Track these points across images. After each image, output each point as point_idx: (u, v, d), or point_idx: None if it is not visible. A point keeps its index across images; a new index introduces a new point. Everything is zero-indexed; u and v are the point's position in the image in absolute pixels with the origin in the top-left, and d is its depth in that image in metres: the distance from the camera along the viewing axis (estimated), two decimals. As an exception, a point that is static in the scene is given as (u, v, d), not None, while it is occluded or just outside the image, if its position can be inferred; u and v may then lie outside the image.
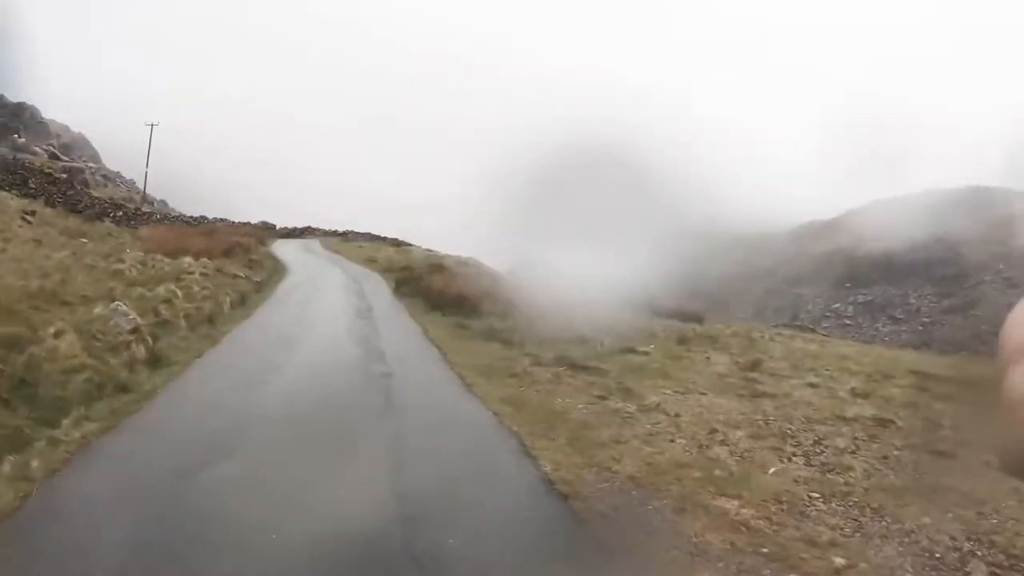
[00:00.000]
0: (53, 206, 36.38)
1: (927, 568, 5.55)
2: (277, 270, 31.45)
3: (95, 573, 4.54)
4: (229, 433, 7.63)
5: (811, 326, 44.32)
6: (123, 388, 9.21)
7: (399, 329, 17.61)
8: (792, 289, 62.22)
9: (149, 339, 11.66)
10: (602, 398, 10.60)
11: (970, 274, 54.29)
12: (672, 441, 8.54)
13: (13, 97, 60.69)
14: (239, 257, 30.20)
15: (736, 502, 6.52)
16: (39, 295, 13.44)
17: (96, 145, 71.48)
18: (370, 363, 12.33)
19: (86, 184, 51.68)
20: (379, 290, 26.87)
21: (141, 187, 60.37)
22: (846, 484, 7.36)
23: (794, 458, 8.22)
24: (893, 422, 10.25)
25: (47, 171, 45.54)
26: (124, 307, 12.69)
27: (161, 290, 16.72)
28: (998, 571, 5.62)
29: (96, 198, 45.28)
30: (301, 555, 4.98)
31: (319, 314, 19.63)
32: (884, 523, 6.36)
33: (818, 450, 8.62)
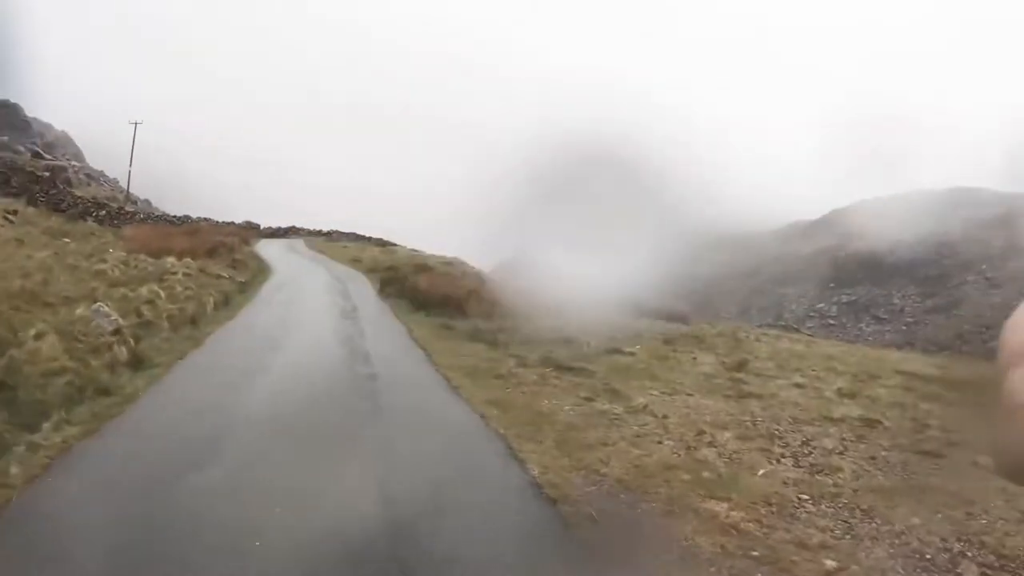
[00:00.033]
0: (35, 205, 36.03)
1: (918, 570, 5.52)
2: (261, 270, 31.25)
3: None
4: (212, 437, 7.50)
5: (795, 326, 44.50)
6: (104, 391, 9.07)
7: (384, 330, 17.51)
8: (777, 289, 62.42)
9: (131, 340, 11.54)
10: (589, 399, 10.54)
11: (953, 274, 54.63)
12: (660, 443, 8.48)
13: (-5, 95, 60.20)
14: (223, 257, 29.98)
15: (725, 504, 6.47)
16: (20, 296, 13.27)
17: (79, 143, 70.96)
18: (355, 364, 12.23)
19: (69, 183, 51.22)
20: (364, 290, 26.75)
21: (125, 186, 59.97)
22: (835, 485, 7.32)
23: (782, 459, 8.19)
24: (880, 422, 10.23)
25: (29, 169, 45.20)
26: (106, 308, 12.57)
27: (144, 291, 16.56)
28: (989, 571, 5.59)
29: (79, 197, 44.88)
30: (285, 562, 4.89)
31: (304, 315, 19.53)
32: (874, 524, 6.32)
33: (806, 451, 8.59)
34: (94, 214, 41.58)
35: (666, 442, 8.54)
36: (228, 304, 19.69)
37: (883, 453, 8.73)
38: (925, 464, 8.39)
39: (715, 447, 8.43)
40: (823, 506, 6.70)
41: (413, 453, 7.56)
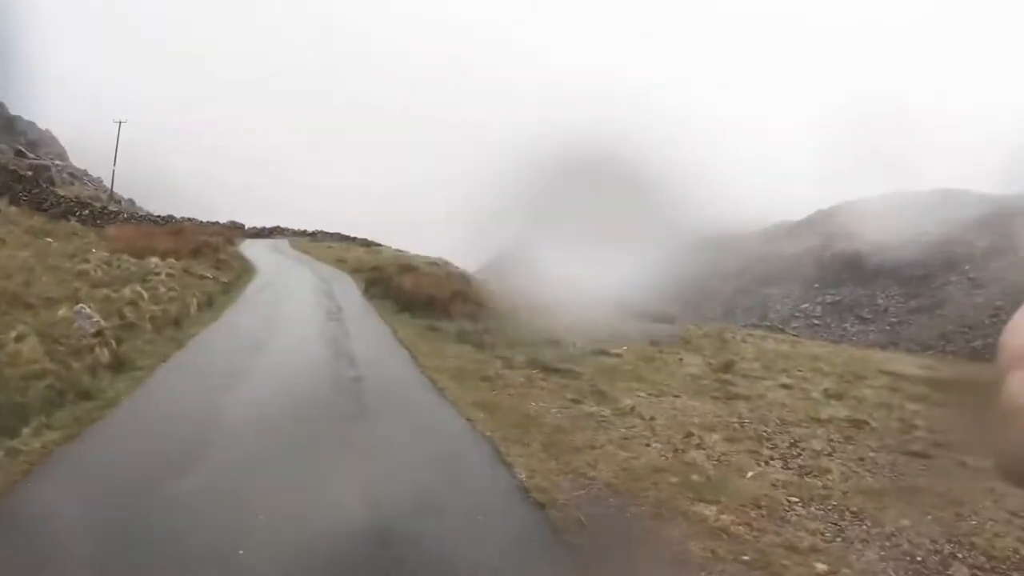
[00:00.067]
0: (18, 204, 35.65)
1: (909, 572, 5.49)
2: (245, 270, 31.00)
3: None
4: (194, 442, 7.38)
5: (780, 326, 44.71)
6: (86, 394, 8.90)
7: (369, 331, 17.41)
8: (761, 289, 62.65)
9: (113, 343, 11.38)
10: (576, 401, 10.48)
11: (936, 275, 55.02)
12: (648, 445, 8.43)
13: (-22, 94, 59.64)
14: (207, 257, 29.79)
15: (715, 508, 6.41)
16: (1, 296, 13.12)
17: (63, 142, 70.34)
18: (340, 367, 12.11)
19: (52, 182, 50.72)
20: (349, 291, 26.61)
21: (108, 185, 59.46)
22: (824, 487, 7.29)
23: (771, 461, 8.15)
24: (867, 423, 10.25)
25: (12, 168, 44.72)
26: (88, 309, 12.43)
27: (127, 291, 16.42)
28: (979, 573, 5.58)
29: (62, 196, 44.49)
30: (269, 572, 4.80)
31: (288, 316, 19.39)
32: (864, 527, 6.29)
33: (795, 452, 8.57)
34: (77, 213, 41.25)
35: (654, 444, 8.49)
36: (212, 305, 19.49)
37: (871, 454, 8.74)
38: (913, 465, 8.40)
39: (703, 449, 8.39)
40: (813, 508, 6.66)
41: (399, 457, 7.48)
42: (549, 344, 15.55)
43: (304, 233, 63.97)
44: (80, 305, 12.71)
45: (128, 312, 14.34)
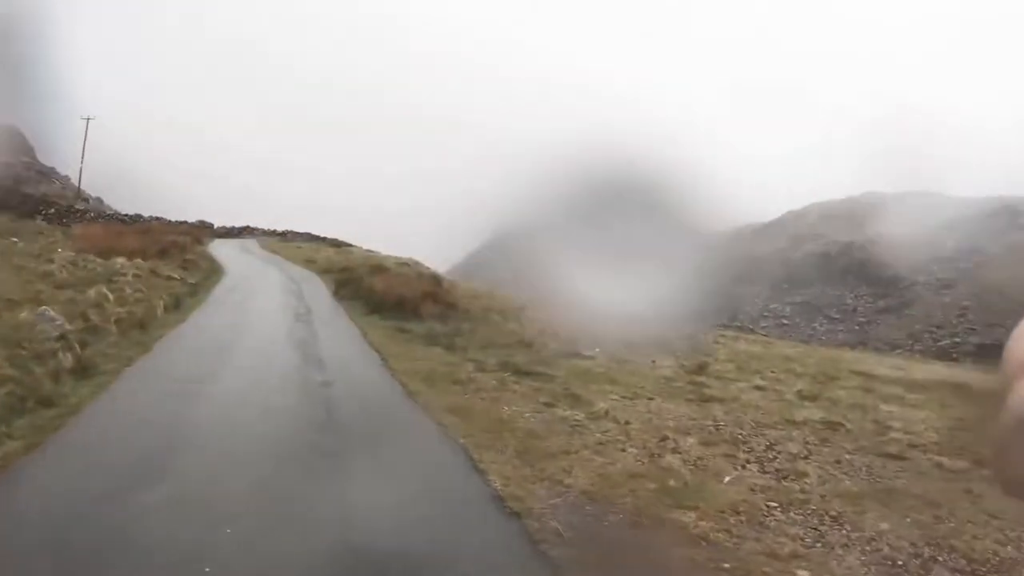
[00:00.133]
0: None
1: (891, 578, 5.42)
2: (214, 271, 30.73)
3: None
4: (159, 452, 7.13)
5: (750, 326, 44.98)
6: (47, 401, 8.59)
7: (339, 333, 17.20)
8: (731, 289, 63.04)
9: (77, 346, 11.08)
10: (549, 405, 10.33)
11: (904, 275, 55.71)
12: (623, 450, 8.30)
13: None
14: (174, 257, 29.50)
15: (693, 514, 6.29)
16: (-37, 299, 12.81)
17: (30, 139, 69.15)
18: (309, 371, 11.90)
19: (18, 180, 49.95)
20: (318, 292, 26.39)
21: (76, 183, 58.51)
22: (802, 491, 7.21)
23: (748, 465, 8.06)
24: (842, 425, 10.21)
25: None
26: (51, 312, 12.18)
27: (92, 293, 16.16)
28: (960, 577, 5.52)
29: (28, 194, 43.84)
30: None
31: (256, 318, 19.17)
32: (844, 531, 6.21)
33: (771, 456, 8.49)
34: (43, 212, 40.62)
35: (630, 449, 8.36)
36: (179, 307, 19.21)
37: (847, 456, 8.69)
38: (890, 467, 8.37)
39: (679, 453, 8.28)
40: (792, 513, 6.56)
41: (370, 468, 7.25)
42: (521, 346, 15.42)
43: (274, 233, 63.53)
44: (43, 307, 12.46)
45: (93, 314, 14.05)
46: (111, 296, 16.35)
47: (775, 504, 6.75)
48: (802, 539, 5.97)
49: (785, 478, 7.64)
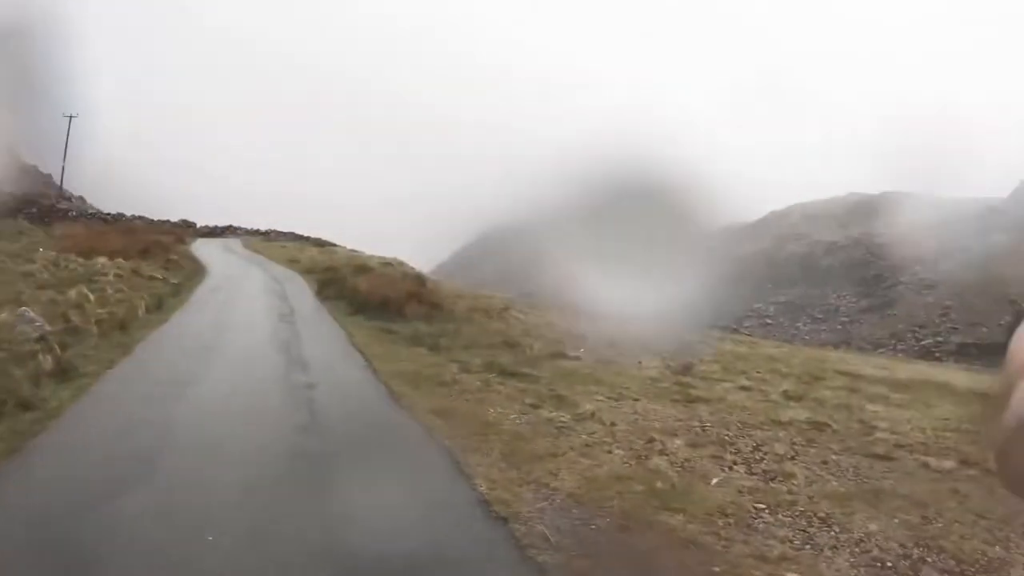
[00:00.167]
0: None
1: (881, 580, 5.40)
2: (196, 271, 30.58)
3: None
4: (140, 457, 6.98)
5: (734, 326, 45.14)
6: (27, 404, 8.40)
7: (323, 334, 17.07)
8: (717, 289, 63.25)
9: (57, 348, 10.94)
10: (535, 407, 10.25)
11: (887, 276, 56.12)
12: (610, 452, 8.24)
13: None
14: (157, 257, 29.37)
15: (681, 517, 6.24)
16: (-62, 300, 12.65)
17: (12, 136, 68.17)
18: (292, 372, 11.77)
19: (-1, 178, 49.37)
20: (302, 292, 26.24)
21: (58, 182, 57.93)
22: (790, 492, 7.17)
23: (735, 466, 8.02)
24: (829, 425, 10.21)
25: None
26: (31, 313, 12.05)
27: (72, 293, 16.04)
28: (950, 578, 5.51)
29: (8, 193, 43.39)
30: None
31: (239, 318, 19.03)
32: (833, 533, 6.18)
33: (758, 457, 8.45)
34: (24, 211, 40.25)
35: (616, 451, 8.30)
36: (161, 307, 19.03)
37: (834, 457, 8.68)
38: (877, 468, 8.36)
39: (666, 455, 8.22)
40: (780, 515, 6.52)
41: (355, 473, 7.14)
42: (506, 347, 15.36)
43: (257, 232, 63.18)
44: (23, 308, 12.30)
45: (74, 315, 13.92)
46: (92, 297, 16.25)
47: (763, 506, 6.71)
48: (791, 541, 5.93)
49: (772, 479, 7.60)
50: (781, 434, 9.60)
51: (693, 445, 8.75)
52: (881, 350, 44.39)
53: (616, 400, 11.06)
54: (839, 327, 54.32)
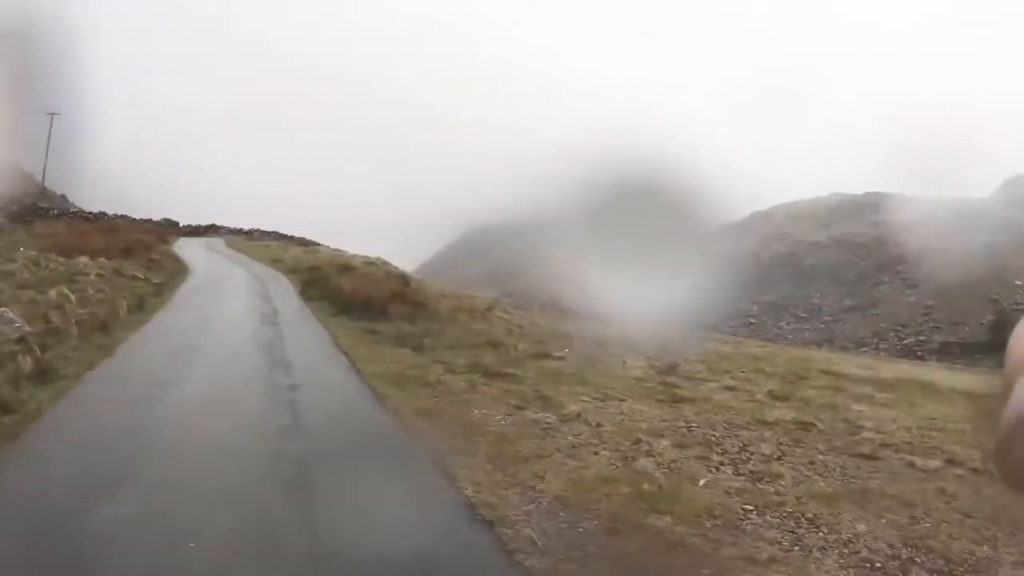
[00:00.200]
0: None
1: (870, 580, 5.37)
2: (179, 271, 30.37)
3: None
4: (119, 463, 6.85)
5: (718, 325, 45.24)
6: (5, 408, 8.29)
7: (306, 335, 16.94)
8: (704, 289, 63.48)
9: (37, 350, 10.80)
10: (520, 408, 10.18)
11: (869, 275, 56.46)
12: (596, 454, 8.18)
13: None
14: (139, 257, 29.22)
15: (669, 519, 6.18)
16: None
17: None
18: (275, 374, 11.65)
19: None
20: (285, 292, 26.08)
21: (40, 180, 57.33)
22: (777, 493, 7.14)
23: (722, 467, 7.98)
24: (815, 425, 10.18)
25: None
26: (11, 314, 11.90)
27: (53, 294, 15.90)
28: (939, 578, 5.48)
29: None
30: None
31: (222, 319, 18.88)
32: (821, 534, 6.15)
33: (745, 457, 8.42)
34: (5, 210, 39.85)
35: (602, 452, 8.24)
36: (143, 307, 18.81)
37: (820, 457, 8.66)
38: (863, 467, 8.35)
39: (653, 456, 8.17)
40: (768, 516, 6.48)
41: (339, 478, 7.03)
42: (490, 347, 15.29)
43: (241, 231, 62.85)
44: (3, 309, 12.16)
45: (54, 316, 13.76)
46: (73, 297, 16.11)
47: (751, 507, 6.67)
48: (779, 543, 5.90)
49: (760, 480, 7.57)
50: (767, 434, 9.57)
51: (679, 446, 8.71)
52: (864, 349, 44.66)
53: (602, 400, 11.01)
54: (822, 326, 54.63)
